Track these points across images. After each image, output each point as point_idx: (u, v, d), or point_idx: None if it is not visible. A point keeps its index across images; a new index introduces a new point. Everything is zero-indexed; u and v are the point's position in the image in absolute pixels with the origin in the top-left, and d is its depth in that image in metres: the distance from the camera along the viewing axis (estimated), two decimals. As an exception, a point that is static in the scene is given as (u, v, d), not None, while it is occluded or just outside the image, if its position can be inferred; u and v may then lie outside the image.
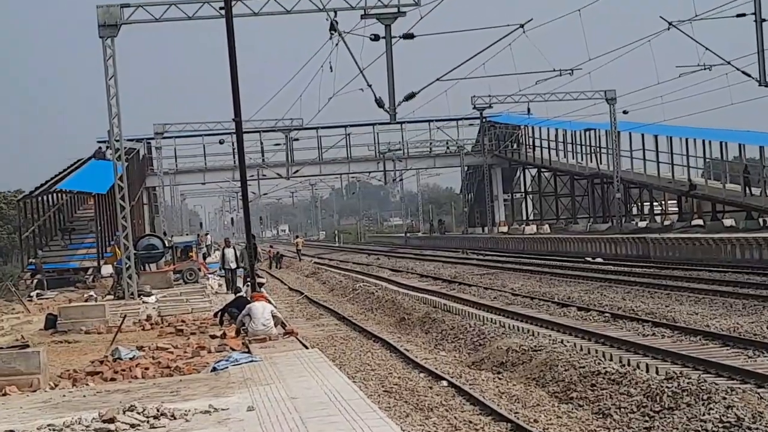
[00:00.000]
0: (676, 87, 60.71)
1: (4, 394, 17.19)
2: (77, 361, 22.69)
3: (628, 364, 20.89)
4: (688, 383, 16.90)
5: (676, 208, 79.91)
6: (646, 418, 16.41)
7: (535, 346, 23.56)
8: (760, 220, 61.04)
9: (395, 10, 38.34)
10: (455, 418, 17.79)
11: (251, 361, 18.80)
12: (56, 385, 18.09)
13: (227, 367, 18.22)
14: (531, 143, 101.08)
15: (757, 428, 14.87)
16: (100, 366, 20.21)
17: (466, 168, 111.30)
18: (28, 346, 19.04)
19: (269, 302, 25.96)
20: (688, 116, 74.27)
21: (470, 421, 17.46)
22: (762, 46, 46.60)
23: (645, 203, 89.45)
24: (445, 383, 21.26)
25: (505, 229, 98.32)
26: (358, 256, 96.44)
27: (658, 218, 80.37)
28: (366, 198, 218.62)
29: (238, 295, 29.82)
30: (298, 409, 13.95)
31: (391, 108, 37.92)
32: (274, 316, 23.75)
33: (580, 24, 45.26)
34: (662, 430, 15.72)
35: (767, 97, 79.43)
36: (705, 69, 52.89)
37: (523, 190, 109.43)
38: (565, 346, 23.61)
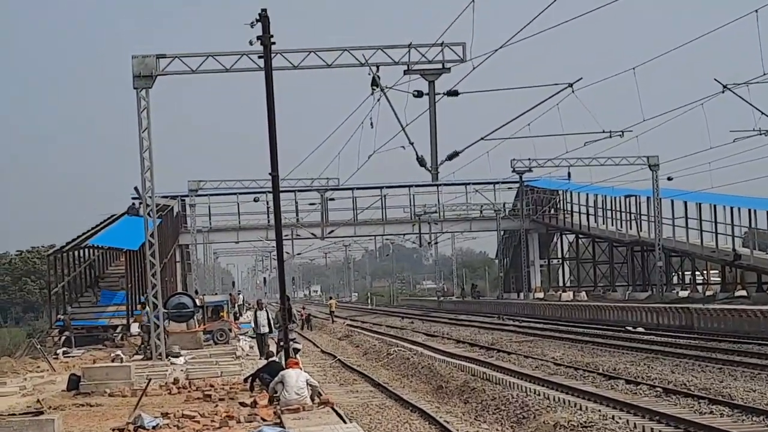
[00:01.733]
0: (729, 152, 58.99)
1: (15, 468, 15.85)
2: (97, 428, 21.34)
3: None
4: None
5: (718, 278, 78.25)
6: None
7: (585, 421, 22.02)
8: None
9: (440, 66, 37.31)
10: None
11: (284, 435, 17.25)
12: (71, 458, 16.67)
13: (258, 442, 16.69)
14: (569, 209, 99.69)
15: None
16: (121, 436, 18.86)
17: (502, 232, 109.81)
18: (42, 413, 17.51)
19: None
20: (737, 183, 72.76)
21: None
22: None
23: (686, 272, 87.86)
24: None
25: (540, 295, 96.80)
26: (391, 319, 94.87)
27: (700, 288, 78.67)
28: (399, 260, 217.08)
29: (270, 360, 28.36)
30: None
31: (433, 167, 36.62)
32: (309, 385, 22.29)
33: (633, 83, 43.49)
34: None
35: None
36: (761, 134, 51.36)
37: (560, 255, 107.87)
38: (617, 423, 22.08)
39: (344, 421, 19.78)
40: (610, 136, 57.80)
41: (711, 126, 53.85)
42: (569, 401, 27.26)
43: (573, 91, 36.29)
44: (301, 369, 22.89)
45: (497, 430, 24.90)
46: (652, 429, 21.89)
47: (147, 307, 41.31)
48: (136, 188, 71.11)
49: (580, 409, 25.32)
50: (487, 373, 35.90)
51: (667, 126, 61.47)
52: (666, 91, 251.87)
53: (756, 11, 39.72)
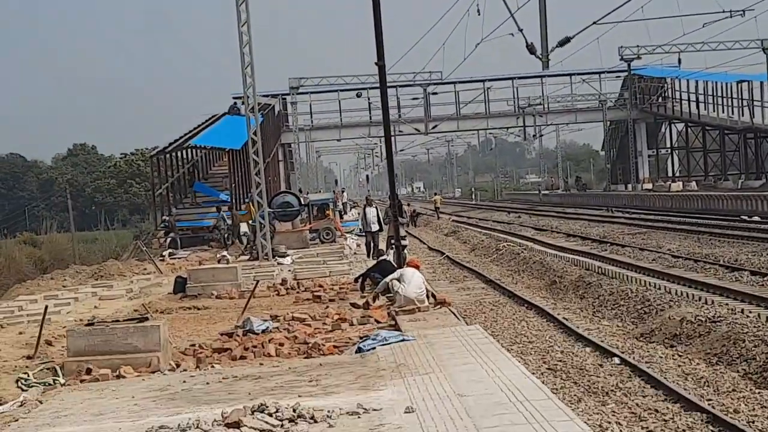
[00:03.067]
0: None
1: (119, 376, 15.04)
2: (205, 331, 20.63)
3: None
4: None
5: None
6: None
7: (714, 316, 20.85)
8: None
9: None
10: (637, 405, 15.25)
11: (403, 340, 16.11)
12: (178, 365, 15.85)
13: (375, 348, 15.62)
14: (678, 97, 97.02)
15: None
16: (229, 341, 18.03)
17: (609, 123, 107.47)
18: (147, 318, 16.79)
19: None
20: None
21: (656, 410, 14.88)
22: None
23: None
24: (617, 360, 18.66)
25: (649, 186, 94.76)
26: (497, 213, 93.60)
27: (818, 175, 76.18)
28: (502, 154, 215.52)
29: (381, 258, 27.40)
30: (470, 413, 11.10)
31: (544, 55, 35.27)
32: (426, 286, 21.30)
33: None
34: None
35: None
36: None
37: (669, 145, 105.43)
38: (748, 317, 20.65)
39: (465, 324, 18.73)
40: (731, 16, 54.87)
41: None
42: (692, 295, 25.92)
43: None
44: (419, 269, 21.79)
45: (619, 327, 23.81)
46: (788, 322, 20.40)
47: (253, 206, 40.76)
48: (235, 104, 70.93)
49: (706, 302, 24.07)
50: (602, 267, 34.49)
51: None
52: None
53: None
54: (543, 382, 13.94)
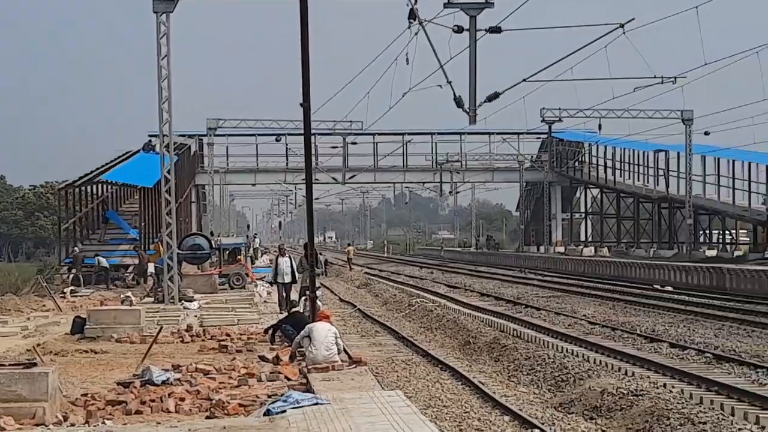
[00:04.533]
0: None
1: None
2: (101, 378, 19.40)
3: (758, 423, 17.49)
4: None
5: (747, 238, 76.38)
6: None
7: (636, 389, 20.13)
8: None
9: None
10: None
11: (317, 403, 14.92)
12: (65, 418, 14.53)
13: (285, 411, 14.42)
14: (595, 162, 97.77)
15: None
16: (125, 392, 16.78)
17: (525, 184, 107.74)
18: (35, 364, 15.46)
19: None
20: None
21: None
22: None
23: (714, 231, 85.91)
24: (537, 432, 17.77)
25: (561, 249, 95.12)
26: (409, 268, 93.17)
27: (728, 247, 76.64)
28: (416, 209, 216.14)
29: (293, 310, 26.33)
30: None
31: (471, 109, 34.55)
32: (337, 341, 20.21)
33: (688, 27, 41.11)
34: None
35: None
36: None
37: (583, 210, 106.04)
38: (671, 391, 20.15)
39: (382, 387, 17.66)
40: (662, 82, 54.53)
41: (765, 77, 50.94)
42: (612, 364, 25.60)
43: (624, 33, 34.31)
44: (331, 323, 20.73)
45: (535, 394, 23.04)
46: (712, 401, 19.85)
47: (161, 246, 39.58)
48: (150, 141, 69.81)
49: (626, 374, 23.61)
50: (517, 330, 34.19)
51: (726, 72, 57.48)
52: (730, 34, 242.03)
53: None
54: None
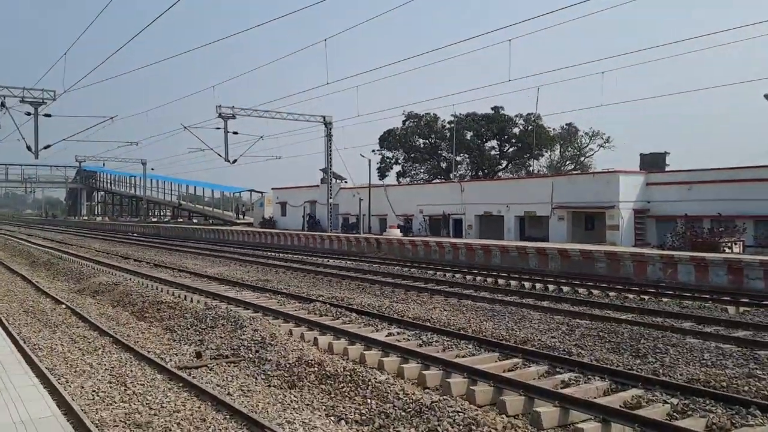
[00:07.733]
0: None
1: None
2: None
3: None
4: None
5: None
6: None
7: (115, 282, 37.36)
8: None
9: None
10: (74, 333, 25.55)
11: None
12: None
13: None
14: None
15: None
16: None
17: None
18: None
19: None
20: None
21: (84, 336, 26.69)
22: None
23: None
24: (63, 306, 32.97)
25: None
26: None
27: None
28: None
29: None
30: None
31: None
32: None
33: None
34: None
35: None
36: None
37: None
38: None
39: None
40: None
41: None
42: (105, 270, 44.04)
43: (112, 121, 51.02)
44: None
45: (66, 284, 40.00)
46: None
47: None
48: None
49: (114, 274, 41.62)
50: (61, 255, 52.32)
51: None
52: None
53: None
54: (32, 352, 21.90)
